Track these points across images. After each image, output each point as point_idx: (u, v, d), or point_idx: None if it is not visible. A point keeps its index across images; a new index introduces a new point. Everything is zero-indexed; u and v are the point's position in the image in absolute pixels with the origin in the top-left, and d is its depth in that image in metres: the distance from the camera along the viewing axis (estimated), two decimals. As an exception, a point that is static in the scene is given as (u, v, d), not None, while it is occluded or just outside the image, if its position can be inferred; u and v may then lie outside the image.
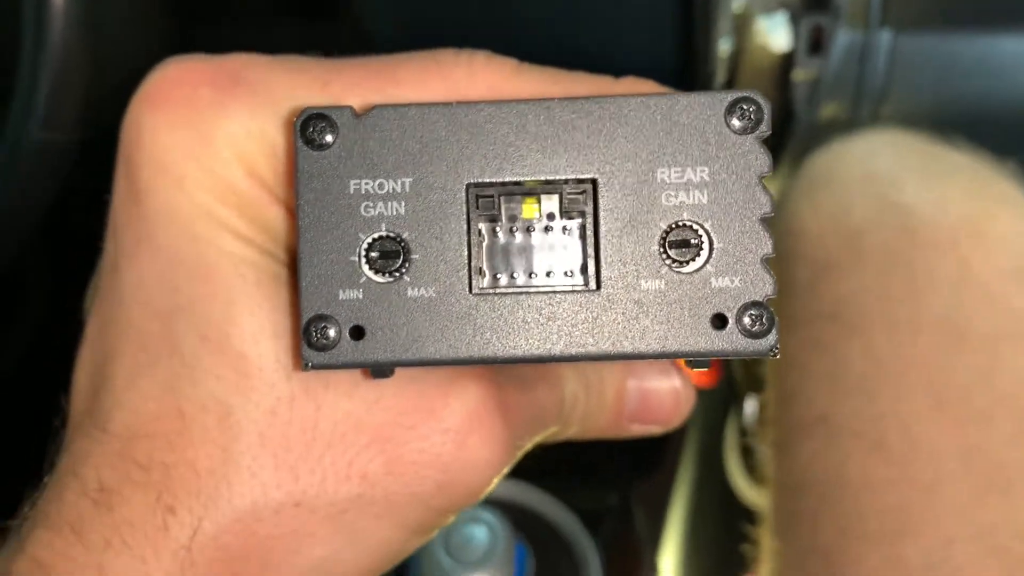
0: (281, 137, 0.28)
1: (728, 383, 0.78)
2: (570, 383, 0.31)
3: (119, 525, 0.26)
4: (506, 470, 0.30)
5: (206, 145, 0.27)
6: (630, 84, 0.29)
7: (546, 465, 0.62)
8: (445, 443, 0.28)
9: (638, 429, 0.34)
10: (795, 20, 0.60)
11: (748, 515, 0.74)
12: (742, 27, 0.61)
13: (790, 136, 0.62)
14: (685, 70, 0.56)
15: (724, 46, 0.58)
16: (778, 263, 0.55)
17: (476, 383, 0.28)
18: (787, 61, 0.60)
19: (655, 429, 0.34)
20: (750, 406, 0.77)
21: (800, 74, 0.59)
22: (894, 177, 0.52)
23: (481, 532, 0.53)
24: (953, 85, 0.60)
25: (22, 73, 0.48)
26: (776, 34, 0.61)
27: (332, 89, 0.28)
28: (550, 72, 0.29)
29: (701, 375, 0.74)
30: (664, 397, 0.34)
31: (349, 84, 0.28)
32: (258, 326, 0.27)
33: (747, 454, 0.77)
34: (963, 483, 0.44)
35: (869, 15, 0.59)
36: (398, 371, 0.27)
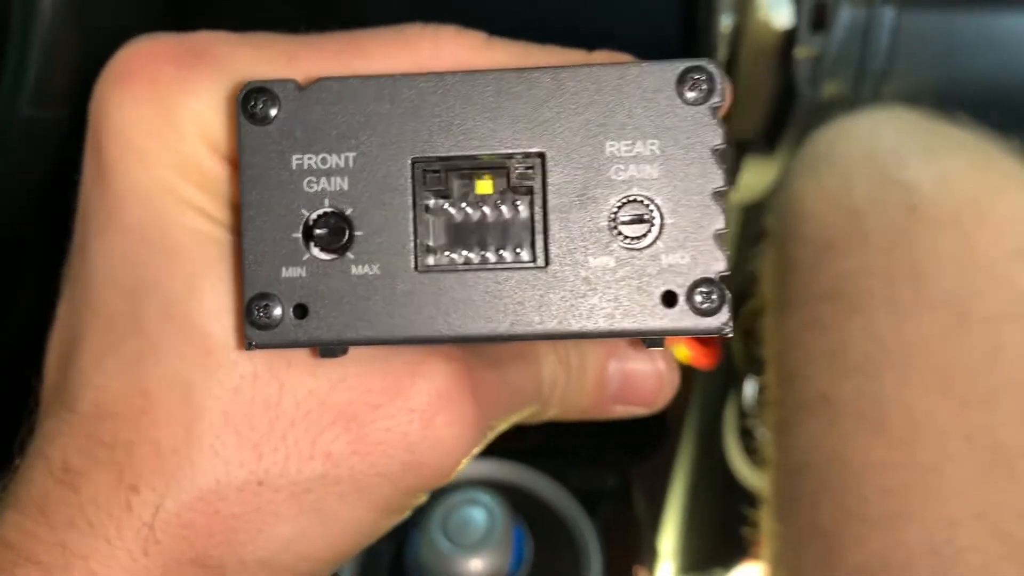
0: None
1: (728, 364, 0.77)
2: (549, 363, 0.31)
3: (84, 504, 0.26)
4: (477, 450, 0.29)
5: (169, 121, 0.27)
6: (604, 56, 0.28)
7: (544, 447, 0.62)
8: (411, 423, 0.27)
9: (621, 411, 0.34)
10: (798, -4, 0.59)
11: (748, 497, 0.73)
12: (744, 3, 0.60)
13: (792, 114, 0.61)
14: (686, 46, 0.55)
15: (726, 22, 0.58)
16: (779, 243, 0.54)
17: (445, 362, 0.28)
18: (789, 38, 0.59)
19: (639, 411, 0.34)
20: (750, 388, 0.77)
21: (802, 51, 0.58)
22: (897, 155, 0.51)
23: (479, 514, 0.53)
24: (956, 63, 0.59)
25: (11, 49, 0.47)
26: (778, 10, 0.60)
27: (299, 64, 0.27)
28: (520, 45, 0.28)
29: (701, 356, 0.73)
30: (647, 379, 0.33)
31: (316, 59, 0.28)
32: (220, 303, 0.27)
33: (747, 436, 0.77)
34: (966, 464, 0.43)
35: (872, -9, 0.58)
36: (363, 350, 0.27)
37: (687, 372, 0.77)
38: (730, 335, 0.24)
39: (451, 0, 0.57)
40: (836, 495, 0.45)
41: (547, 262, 0.24)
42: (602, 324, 0.24)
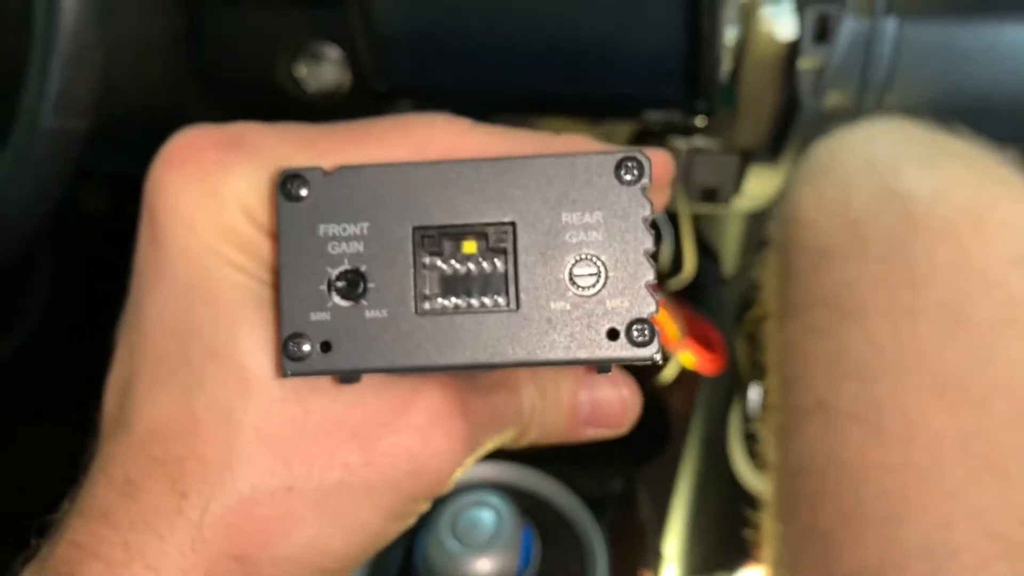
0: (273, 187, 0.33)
1: (733, 371, 0.78)
2: (528, 392, 0.36)
3: (143, 511, 0.31)
4: (469, 462, 0.35)
5: (213, 197, 0.33)
6: (566, 141, 0.34)
7: (552, 451, 0.62)
8: (413, 438, 0.33)
9: (592, 433, 0.39)
10: (801, 8, 0.60)
11: (751, 501, 0.74)
12: (748, 15, 0.61)
13: (795, 124, 0.62)
14: (691, 58, 0.56)
15: (730, 33, 0.59)
16: (781, 250, 0.55)
17: (440, 388, 0.33)
18: (793, 49, 0.60)
19: (607, 432, 0.39)
20: (754, 393, 0.78)
21: (805, 62, 0.59)
22: (894, 164, 0.52)
23: (488, 516, 0.54)
24: (958, 74, 0.60)
25: (34, 59, 0.48)
26: (781, 22, 0.61)
27: (317, 148, 0.33)
28: (499, 130, 0.35)
29: (707, 362, 0.74)
30: (613, 404, 0.38)
31: (330, 145, 0.34)
32: (256, 342, 0.32)
33: (751, 441, 0.77)
34: (961, 467, 0.44)
35: (875, 3, 0.59)
36: (372, 378, 0.33)
37: (693, 378, 0.78)
38: (660, 363, 0.30)
39: (470, 10, 0.58)
40: (834, 497, 0.46)
41: (518, 306, 0.30)
42: (561, 354, 0.30)
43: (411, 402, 0.33)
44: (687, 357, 0.73)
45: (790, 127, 0.62)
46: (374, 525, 0.33)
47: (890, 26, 0.59)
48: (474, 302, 0.30)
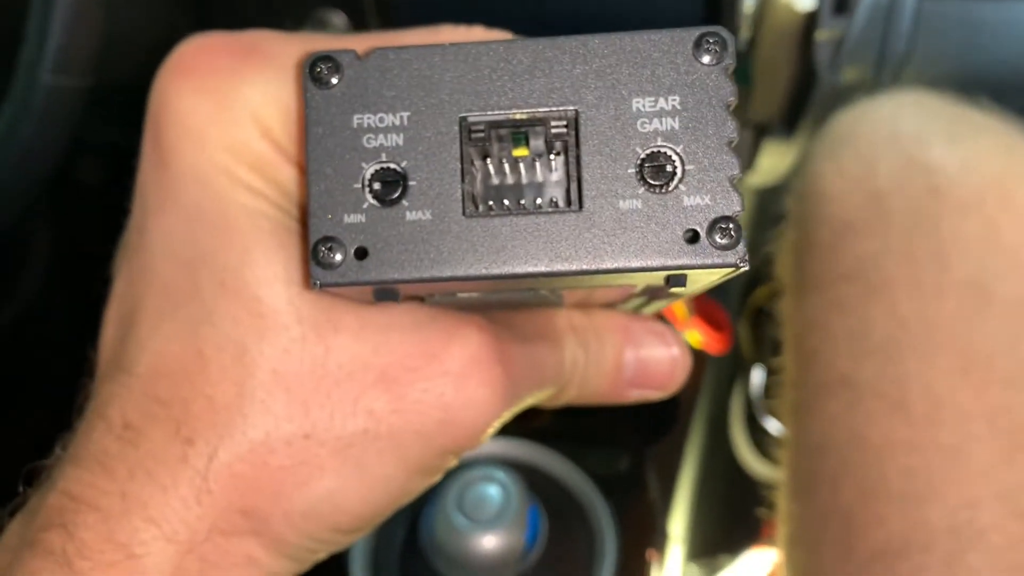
0: (294, 102, 0.30)
1: (735, 353, 0.77)
2: (570, 346, 0.33)
3: (143, 458, 0.28)
4: (506, 416, 0.31)
5: (225, 109, 0.30)
6: None
7: (559, 428, 0.61)
8: (446, 384, 0.29)
9: (636, 395, 0.35)
10: (820, -21, 0.59)
11: (753, 486, 0.73)
12: (766, -16, 0.59)
13: (811, 98, 0.61)
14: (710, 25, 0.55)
15: (749, 2, 0.57)
16: (799, 224, 0.54)
17: (476, 332, 0.30)
18: (811, 20, 0.59)
19: (653, 395, 0.36)
20: (757, 376, 0.77)
21: (824, 34, 0.58)
22: (920, 137, 0.51)
23: (495, 491, 0.53)
24: (976, 48, 0.59)
25: (33, 16, 0.47)
26: (800, -7, 0.60)
27: None
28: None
29: (714, 341, 0.73)
30: (662, 364, 0.35)
31: None
32: (272, 272, 0.29)
33: (753, 425, 0.77)
34: (987, 445, 0.43)
35: (894, -24, 0.58)
36: (403, 317, 0.29)
37: (699, 357, 0.77)
38: (746, 268, 0.26)
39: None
40: (857, 475, 0.45)
41: (581, 205, 0.27)
42: (632, 261, 0.26)
43: (445, 345, 0.29)
44: (694, 336, 0.72)
45: (806, 100, 0.61)
46: (398, 479, 0.30)
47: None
48: (530, 202, 0.27)
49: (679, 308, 0.70)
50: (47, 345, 0.83)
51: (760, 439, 0.75)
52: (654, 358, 0.35)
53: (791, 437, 0.51)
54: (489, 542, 0.52)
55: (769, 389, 0.74)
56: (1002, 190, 0.48)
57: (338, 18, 0.63)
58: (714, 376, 0.79)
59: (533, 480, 0.59)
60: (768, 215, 0.70)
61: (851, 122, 0.54)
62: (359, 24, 0.63)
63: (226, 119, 0.30)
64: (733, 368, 0.80)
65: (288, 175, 0.30)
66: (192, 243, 0.29)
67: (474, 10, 0.58)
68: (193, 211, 0.30)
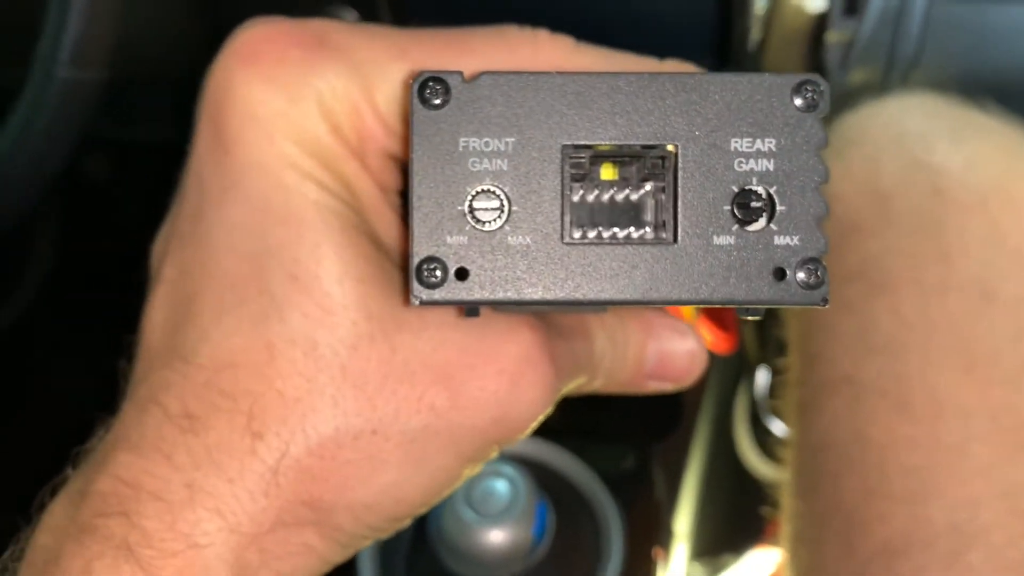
0: (363, 98, 0.30)
1: (740, 352, 0.77)
2: (600, 339, 0.34)
3: (208, 449, 0.29)
4: (550, 409, 0.32)
5: (295, 101, 0.30)
6: (674, 65, 0.32)
7: (567, 425, 0.62)
8: (501, 382, 0.30)
9: (654, 386, 0.37)
10: (830, -20, 0.59)
11: (757, 486, 0.74)
12: (776, -15, 0.60)
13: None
14: (722, 26, 0.55)
15: (760, 2, 0.58)
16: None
17: (529, 331, 0.31)
18: (821, 21, 0.59)
19: (669, 387, 0.37)
20: (761, 377, 0.77)
21: (833, 35, 0.58)
22: (924, 138, 0.51)
23: (503, 486, 0.53)
24: (986, 51, 0.59)
25: (50, 9, 0.47)
26: (810, -6, 0.60)
27: (410, 56, 0.30)
28: (604, 51, 0.32)
29: (720, 341, 0.73)
30: (681, 358, 0.36)
31: (425, 52, 0.31)
32: (343, 269, 0.29)
33: (757, 426, 0.77)
34: (990, 444, 0.43)
35: (904, -22, 0.58)
36: (461, 318, 0.31)
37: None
38: (828, 306, 0.27)
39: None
40: (859, 473, 0.45)
41: (676, 239, 0.28)
42: (722, 294, 0.27)
43: (501, 345, 0.30)
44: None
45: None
46: (452, 470, 0.31)
47: (920, 2, 0.58)
48: (627, 232, 0.28)
49: (686, 308, 0.71)
50: (51, 340, 0.84)
51: (764, 439, 0.75)
52: (674, 352, 0.36)
53: (794, 435, 0.51)
54: (497, 537, 0.53)
55: (774, 389, 0.74)
56: (1005, 191, 0.48)
57: (349, 15, 0.64)
58: (719, 376, 0.79)
59: (541, 476, 0.59)
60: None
61: (857, 123, 0.54)
62: (371, 20, 0.63)
63: (296, 112, 0.30)
64: (738, 368, 0.81)
65: (354, 170, 0.31)
66: (259, 236, 0.30)
67: (483, 5, 0.59)
68: (259, 203, 0.30)
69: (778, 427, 0.73)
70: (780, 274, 0.27)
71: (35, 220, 0.81)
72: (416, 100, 0.27)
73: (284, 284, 0.29)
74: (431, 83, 0.27)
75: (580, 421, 0.63)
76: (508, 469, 0.53)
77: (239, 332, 0.29)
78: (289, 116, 0.30)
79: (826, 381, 0.48)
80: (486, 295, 0.27)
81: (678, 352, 0.36)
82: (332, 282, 0.29)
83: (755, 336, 0.77)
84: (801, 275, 0.27)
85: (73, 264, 0.86)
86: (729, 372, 0.82)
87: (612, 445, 0.64)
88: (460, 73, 0.28)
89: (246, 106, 0.30)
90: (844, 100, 0.58)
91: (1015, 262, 0.47)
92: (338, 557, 0.31)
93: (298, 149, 0.30)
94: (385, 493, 0.30)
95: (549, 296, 0.27)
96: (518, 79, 0.28)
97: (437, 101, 0.27)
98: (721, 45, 0.57)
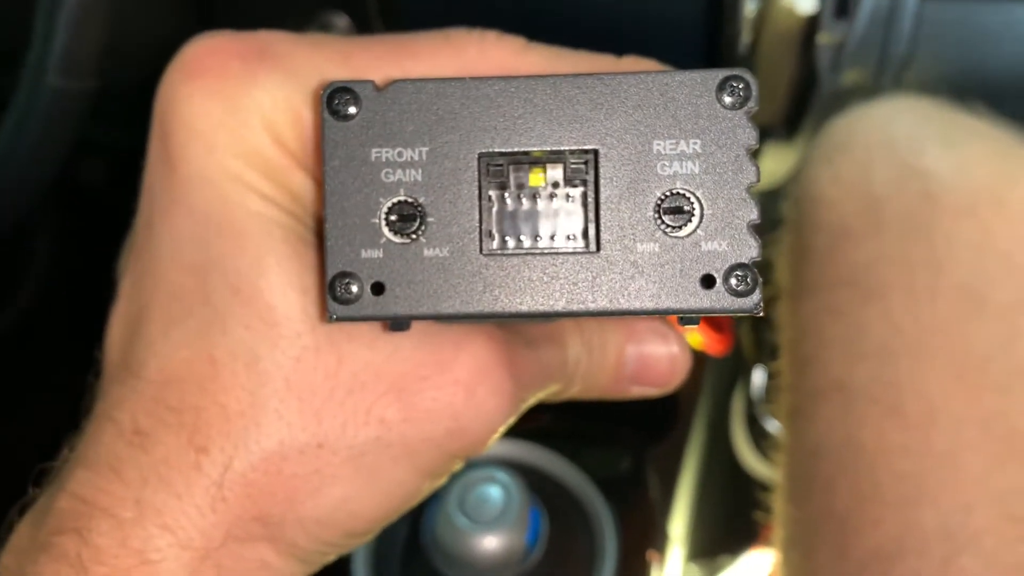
0: (306, 107, 0.30)
1: (737, 353, 0.77)
2: (574, 345, 0.33)
3: (156, 464, 0.28)
4: (512, 420, 0.32)
5: (235, 113, 0.29)
6: (631, 63, 0.31)
7: (561, 429, 0.62)
8: (456, 393, 0.30)
9: (637, 391, 0.36)
10: (821, -18, 0.59)
11: (754, 487, 0.74)
12: (767, -12, 0.60)
13: (812, 101, 0.61)
14: (711, 29, 0.55)
15: (750, 5, 0.58)
16: (796, 229, 0.54)
17: (485, 340, 0.30)
18: (812, 24, 0.59)
19: (652, 391, 0.36)
20: (758, 377, 0.77)
21: (825, 37, 0.58)
22: (914, 142, 0.51)
23: (496, 492, 0.53)
24: (978, 52, 0.59)
25: (39, 18, 0.47)
26: (801, -4, 0.60)
27: (353, 62, 0.30)
28: (556, 50, 0.31)
29: (714, 343, 0.73)
30: (661, 361, 0.36)
31: (369, 58, 0.30)
32: (286, 280, 0.29)
33: (754, 426, 0.77)
34: (981, 450, 0.43)
35: (895, -21, 0.58)
36: (415, 327, 0.29)
37: (700, 358, 0.78)
38: (761, 314, 0.26)
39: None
40: (851, 479, 0.45)
41: (599, 247, 0.27)
42: (648, 303, 0.27)
43: (455, 354, 0.30)
44: (695, 337, 0.73)
45: (807, 104, 0.61)
46: (409, 485, 0.31)
47: (911, 3, 0.58)
48: (548, 242, 0.27)
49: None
50: (49, 346, 0.84)
51: (761, 440, 0.76)
52: (654, 356, 0.36)
53: (787, 441, 0.51)
54: (490, 542, 0.53)
55: (770, 391, 0.74)
56: (995, 195, 0.48)
57: (341, 20, 0.63)
58: (715, 377, 0.79)
59: (534, 481, 0.59)
60: (767, 219, 0.70)
61: (847, 127, 0.54)
62: (363, 26, 0.63)
63: (237, 124, 0.30)
64: (734, 369, 0.81)
65: (299, 181, 0.30)
66: (202, 248, 0.29)
67: (477, 11, 0.59)
68: (202, 216, 0.29)
69: (775, 428, 0.73)
70: (708, 281, 0.26)
71: (32, 225, 0.81)
72: (326, 111, 0.27)
73: (226, 297, 0.29)
74: (340, 93, 0.27)
75: (574, 425, 0.63)
76: (502, 475, 0.53)
77: (185, 345, 0.29)
78: (231, 129, 0.29)
79: (818, 387, 0.48)
80: (403, 310, 0.27)
81: (659, 356, 0.36)
82: (274, 294, 0.29)
83: (751, 337, 0.77)
84: (731, 282, 0.26)
85: (70, 269, 0.86)
86: (725, 373, 0.82)
87: (606, 448, 0.64)
88: (371, 82, 0.27)
89: (189, 120, 0.30)
90: (834, 103, 0.58)
91: (1006, 267, 0.47)
92: (299, 574, 0.31)
93: (240, 162, 0.29)
94: (337, 508, 0.30)
95: (467, 309, 0.27)
96: (430, 86, 0.27)
97: (348, 111, 0.27)
98: (711, 49, 0.56)
